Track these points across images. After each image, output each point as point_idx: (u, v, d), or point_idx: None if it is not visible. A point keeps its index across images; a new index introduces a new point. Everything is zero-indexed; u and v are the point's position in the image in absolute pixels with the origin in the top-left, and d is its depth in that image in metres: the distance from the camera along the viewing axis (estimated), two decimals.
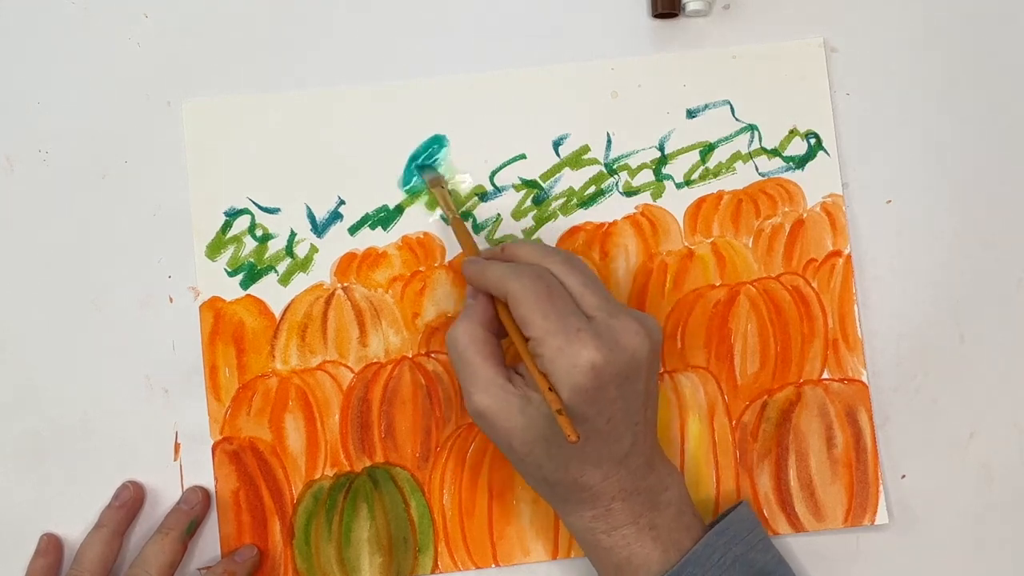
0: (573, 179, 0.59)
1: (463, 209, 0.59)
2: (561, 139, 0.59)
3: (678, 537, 0.52)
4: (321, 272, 0.58)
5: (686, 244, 0.59)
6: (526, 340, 0.49)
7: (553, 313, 0.49)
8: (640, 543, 0.51)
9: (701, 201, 0.59)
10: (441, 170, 0.59)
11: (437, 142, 0.59)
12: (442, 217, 0.58)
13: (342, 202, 0.59)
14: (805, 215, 0.59)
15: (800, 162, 0.59)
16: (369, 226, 0.59)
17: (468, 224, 0.58)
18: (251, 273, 0.58)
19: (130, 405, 0.58)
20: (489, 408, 0.50)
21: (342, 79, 0.59)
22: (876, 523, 0.57)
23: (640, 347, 0.49)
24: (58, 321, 0.58)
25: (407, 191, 0.58)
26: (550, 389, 0.48)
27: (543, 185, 0.59)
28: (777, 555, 0.53)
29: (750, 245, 0.59)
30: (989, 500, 0.58)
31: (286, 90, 0.59)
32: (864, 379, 0.58)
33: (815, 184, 0.59)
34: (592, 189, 0.59)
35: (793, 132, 0.59)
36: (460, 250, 0.58)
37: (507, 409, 0.50)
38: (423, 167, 0.58)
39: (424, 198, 0.59)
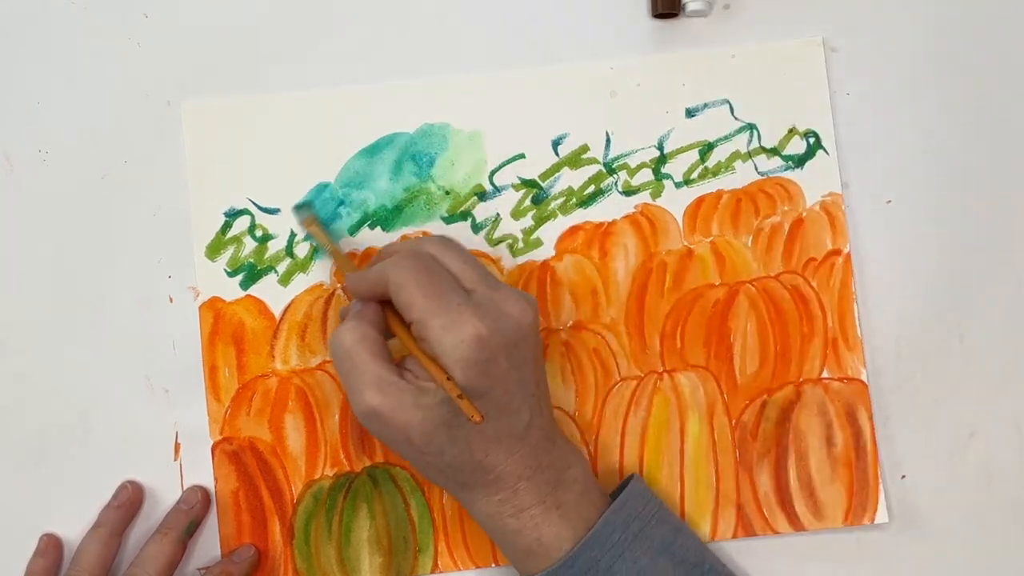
0: (572, 178, 0.59)
1: (463, 208, 0.59)
2: (560, 138, 0.59)
3: (586, 514, 0.52)
4: (321, 272, 0.58)
5: (685, 243, 0.59)
6: (409, 326, 0.49)
7: (433, 292, 0.49)
8: (548, 523, 0.51)
9: (700, 200, 0.59)
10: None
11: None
12: (318, 250, 0.58)
13: (341, 202, 0.59)
14: (804, 214, 0.59)
15: (799, 161, 0.59)
16: (369, 226, 0.59)
17: (467, 223, 0.59)
18: (251, 273, 0.58)
19: (130, 405, 0.58)
20: (383, 405, 0.49)
21: (342, 79, 0.59)
22: (876, 522, 0.57)
23: (523, 314, 0.50)
24: (58, 321, 0.58)
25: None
26: (448, 378, 0.48)
27: (542, 184, 0.59)
28: (674, 525, 0.53)
29: (749, 244, 0.59)
30: (989, 500, 0.58)
31: (286, 90, 0.59)
32: (864, 378, 0.58)
33: (814, 183, 0.59)
34: (591, 188, 0.59)
35: (792, 131, 0.59)
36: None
37: (402, 404, 0.49)
38: (297, 207, 0.58)
39: (420, 199, 0.59)
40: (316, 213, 0.58)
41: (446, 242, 0.52)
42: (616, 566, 0.50)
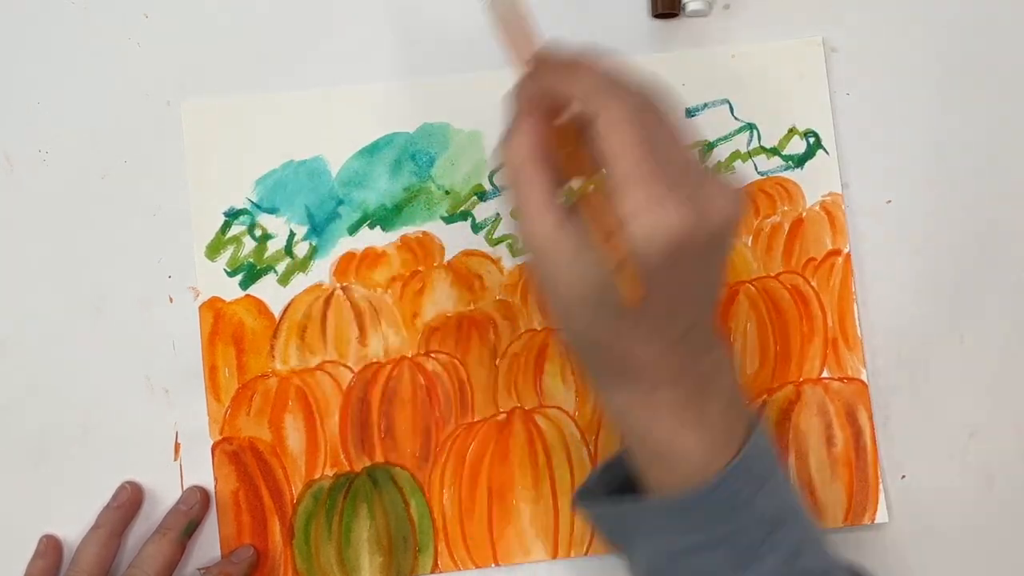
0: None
1: (463, 208, 0.59)
2: None
3: (728, 430, 0.46)
4: (320, 272, 0.58)
5: None
6: (604, 178, 0.42)
7: (651, 154, 0.40)
8: (685, 433, 0.45)
9: None
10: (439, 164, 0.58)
11: None
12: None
13: (341, 201, 0.59)
14: (804, 214, 0.59)
15: (799, 161, 0.59)
16: (368, 226, 0.59)
17: (467, 223, 0.58)
18: (250, 273, 0.58)
19: (130, 405, 0.58)
20: (548, 239, 0.42)
21: (342, 79, 0.59)
22: (876, 522, 0.57)
23: (732, 215, 0.42)
24: (58, 321, 0.58)
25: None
26: (615, 234, 0.40)
27: None
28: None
29: (749, 244, 0.59)
30: (989, 500, 0.58)
31: (286, 90, 0.59)
32: (864, 378, 0.58)
33: (814, 183, 0.59)
34: (591, 189, 0.59)
35: (792, 131, 0.59)
36: (460, 249, 0.58)
37: (560, 248, 0.42)
38: None
39: (420, 199, 0.59)
40: None
41: (663, 103, 0.43)
42: (755, 501, 0.46)
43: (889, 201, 0.59)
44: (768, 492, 0.47)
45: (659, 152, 0.41)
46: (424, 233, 0.59)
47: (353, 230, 0.59)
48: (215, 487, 0.57)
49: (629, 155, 0.40)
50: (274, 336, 0.58)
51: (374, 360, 0.58)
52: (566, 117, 0.44)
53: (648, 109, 0.42)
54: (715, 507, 0.46)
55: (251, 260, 0.58)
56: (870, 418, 0.58)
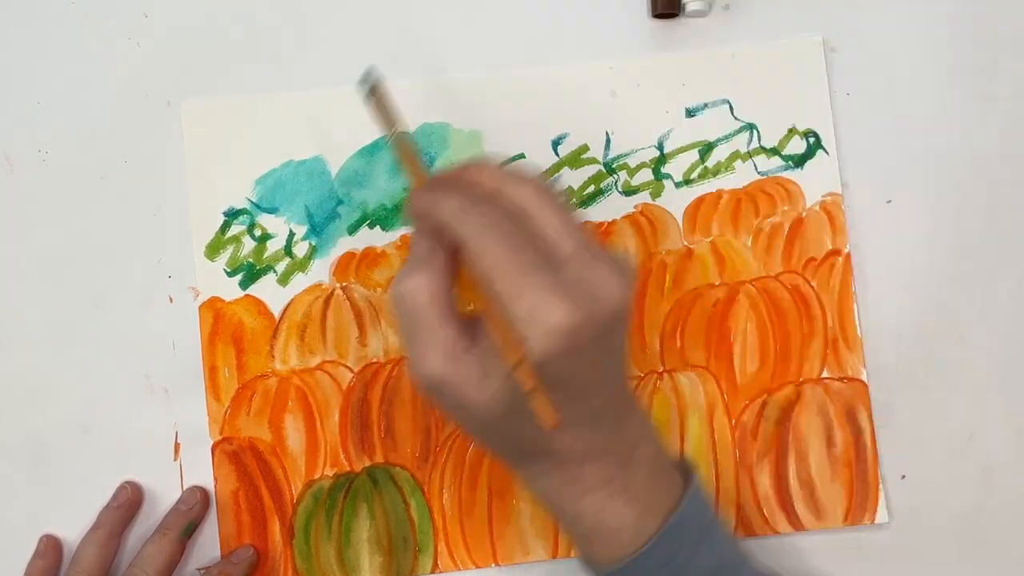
0: (572, 178, 0.59)
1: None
2: (560, 138, 0.59)
3: (656, 498, 0.47)
4: (320, 272, 0.58)
5: (685, 243, 0.59)
6: (487, 300, 0.42)
7: (519, 268, 0.41)
8: (613, 506, 0.46)
9: (700, 200, 0.59)
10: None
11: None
12: (383, 140, 0.51)
13: (340, 201, 0.59)
14: (804, 214, 0.59)
15: (799, 161, 0.59)
16: (368, 225, 0.59)
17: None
18: (250, 273, 0.58)
19: (130, 405, 0.58)
20: (450, 375, 0.43)
21: (342, 79, 0.59)
22: (876, 522, 0.57)
23: (622, 296, 0.43)
24: (58, 321, 0.58)
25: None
26: (522, 364, 0.42)
27: None
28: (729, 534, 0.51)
29: (749, 244, 0.59)
30: (989, 500, 0.58)
31: (286, 90, 0.59)
32: (864, 378, 0.58)
33: (814, 183, 0.59)
34: (591, 188, 0.59)
35: (792, 131, 0.59)
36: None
37: (468, 378, 0.43)
38: (362, 80, 0.50)
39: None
40: (381, 81, 0.49)
41: (543, 192, 0.44)
42: (694, 561, 0.46)
43: (889, 201, 0.59)
44: (707, 550, 0.47)
45: (535, 255, 0.42)
46: None
47: (353, 230, 0.59)
48: (215, 487, 0.57)
49: (499, 274, 0.41)
50: (274, 336, 0.58)
51: (374, 360, 0.58)
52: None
53: (516, 217, 0.43)
54: (653, 573, 0.46)
55: (251, 260, 0.58)
56: (870, 418, 0.58)
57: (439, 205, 0.43)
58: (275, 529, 0.57)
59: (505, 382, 0.43)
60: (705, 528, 0.48)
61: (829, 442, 0.58)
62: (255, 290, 0.58)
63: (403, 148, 0.47)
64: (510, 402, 0.43)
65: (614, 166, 0.59)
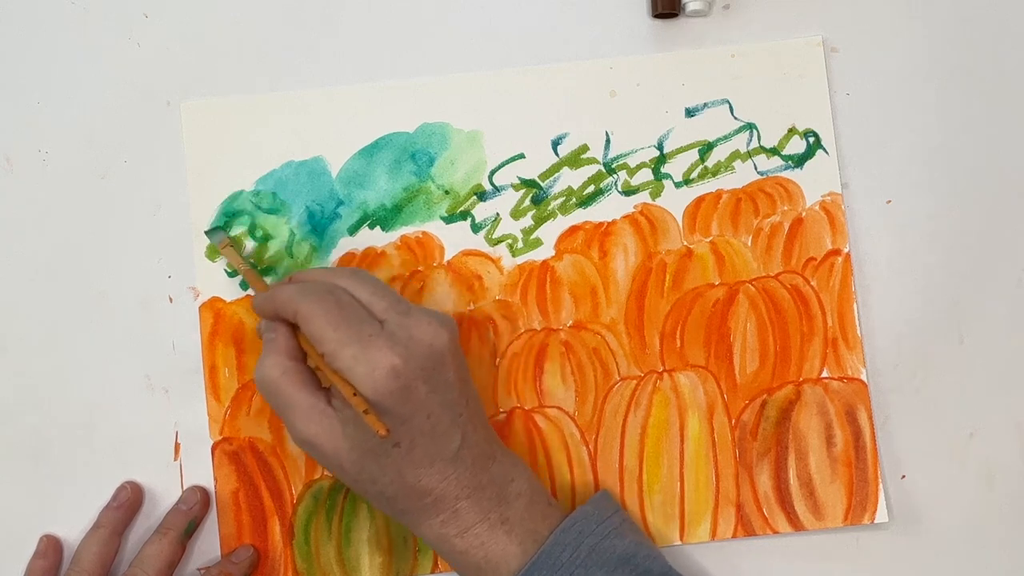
0: (572, 178, 0.59)
1: (462, 208, 0.59)
2: (560, 138, 0.59)
3: (535, 528, 0.51)
4: None
5: (685, 243, 0.59)
6: (322, 357, 0.49)
7: (343, 323, 0.49)
8: (494, 540, 0.51)
9: (700, 200, 0.59)
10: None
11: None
12: (229, 272, 0.58)
13: (341, 202, 0.59)
14: (804, 214, 0.59)
15: (799, 161, 0.59)
16: (368, 226, 0.59)
17: (467, 223, 0.59)
18: None
19: (130, 405, 0.58)
20: (316, 435, 0.49)
21: (342, 79, 0.59)
22: (876, 522, 0.57)
23: (436, 337, 0.50)
24: (58, 321, 0.58)
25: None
26: (355, 394, 0.48)
27: (542, 184, 0.59)
28: (636, 538, 0.53)
29: (749, 244, 0.59)
30: (989, 500, 0.58)
31: (286, 90, 0.59)
32: (863, 378, 0.58)
33: (814, 183, 0.59)
34: (591, 188, 0.59)
35: (792, 131, 0.59)
36: (459, 249, 0.58)
37: (331, 432, 0.49)
38: (209, 232, 0.58)
39: (419, 199, 0.59)
40: (228, 235, 0.58)
41: (355, 273, 0.52)
42: None
43: (889, 201, 0.59)
44: (596, 567, 0.50)
45: (355, 315, 0.49)
46: (424, 233, 0.59)
47: (353, 230, 0.59)
48: (215, 487, 0.57)
49: (325, 337, 0.48)
50: None
51: None
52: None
53: (336, 290, 0.50)
54: None
55: (251, 260, 0.58)
56: (870, 418, 0.58)
57: (278, 293, 0.51)
58: (275, 529, 0.57)
59: (362, 425, 0.49)
60: (586, 552, 0.51)
61: (829, 442, 0.58)
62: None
63: (250, 277, 0.55)
64: (369, 444, 0.49)
65: (614, 166, 0.59)
